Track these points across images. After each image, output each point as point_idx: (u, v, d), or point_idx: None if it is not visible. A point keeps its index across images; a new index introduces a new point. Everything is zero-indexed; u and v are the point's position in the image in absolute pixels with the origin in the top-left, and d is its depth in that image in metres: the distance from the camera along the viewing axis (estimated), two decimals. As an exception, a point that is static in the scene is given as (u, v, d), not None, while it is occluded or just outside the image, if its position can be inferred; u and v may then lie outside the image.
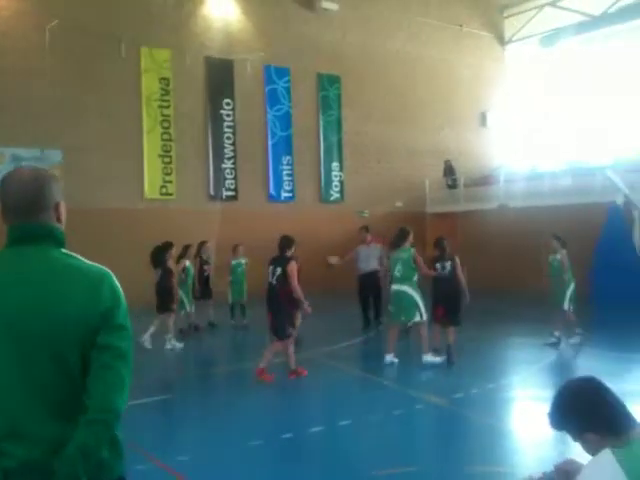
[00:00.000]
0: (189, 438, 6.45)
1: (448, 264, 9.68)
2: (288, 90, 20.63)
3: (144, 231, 16.59)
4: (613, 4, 21.16)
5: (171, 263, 11.39)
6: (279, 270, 8.36)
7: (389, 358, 9.37)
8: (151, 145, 18.25)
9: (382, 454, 5.72)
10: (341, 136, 21.71)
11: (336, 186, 21.62)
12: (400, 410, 7.15)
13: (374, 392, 8.26)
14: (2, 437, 1.96)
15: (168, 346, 10.96)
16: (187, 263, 12.16)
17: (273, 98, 20.44)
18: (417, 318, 9.25)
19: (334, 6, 20.93)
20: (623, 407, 2.40)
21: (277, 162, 20.41)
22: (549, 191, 18.34)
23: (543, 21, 23.32)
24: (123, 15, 17.51)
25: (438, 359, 9.32)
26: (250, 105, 19.86)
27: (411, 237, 9.51)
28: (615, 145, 21.01)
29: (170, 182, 18.50)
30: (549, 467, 2.74)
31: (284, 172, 20.55)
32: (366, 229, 13.33)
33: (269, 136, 20.32)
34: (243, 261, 13.19)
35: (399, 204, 22.13)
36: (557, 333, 10.67)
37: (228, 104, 19.56)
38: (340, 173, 21.65)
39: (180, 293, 11.77)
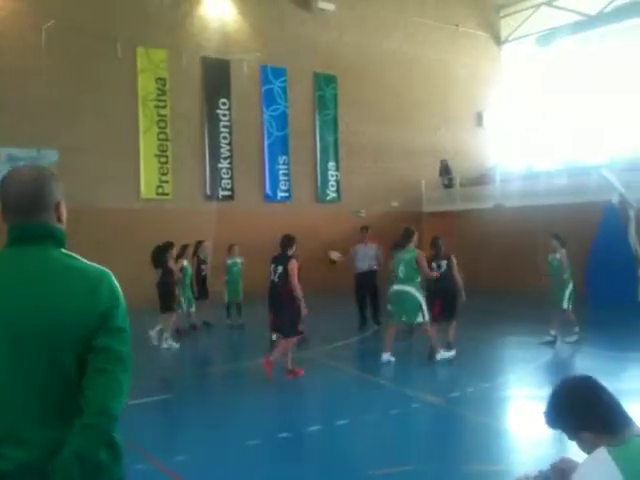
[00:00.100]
0: (186, 438, 6.45)
1: (444, 263, 9.74)
2: (284, 90, 20.62)
3: (140, 231, 16.60)
4: (609, 4, 21.19)
5: (172, 263, 11.42)
6: (280, 268, 8.44)
7: (386, 357, 9.40)
8: (147, 145, 18.23)
9: (379, 453, 5.73)
10: (337, 136, 21.72)
11: (332, 186, 21.63)
12: (396, 409, 7.16)
13: (371, 391, 8.27)
14: None
15: (165, 345, 10.97)
16: (185, 263, 12.17)
17: (269, 98, 20.43)
18: (419, 319, 9.29)
19: (330, 6, 20.93)
20: (618, 406, 2.41)
21: (273, 162, 20.41)
22: (545, 190, 18.36)
23: (539, 21, 23.35)
24: (119, 15, 17.48)
25: (451, 353, 9.41)
26: (246, 105, 19.86)
27: (416, 237, 9.54)
28: (610, 144, 21.04)
29: (166, 182, 18.49)
30: (545, 466, 2.75)
31: (280, 172, 20.55)
32: (366, 229, 13.39)
33: (265, 136, 20.32)
34: (239, 260, 13.23)
35: (395, 204, 22.16)
36: (553, 332, 10.70)
37: (224, 104, 19.55)
38: (336, 173, 21.67)
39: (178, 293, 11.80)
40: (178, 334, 11.87)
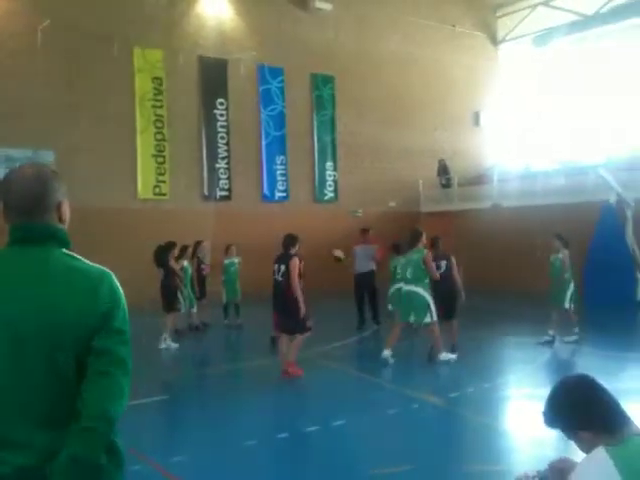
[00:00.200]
0: (184, 438, 6.44)
1: (443, 263, 9.77)
2: (282, 90, 20.61)
3: (138, 231, 16.59)
4: (605, 4, 21.23)
5: (173, 262, 11.43)
6: (283, 267, 8.50)
7: (386, 353, 9.40)
8: (144, 145, 18.21)
9: (378, 453, 5.72)
10: (335, 136, 21.72)
11: (330, 186, 21.63)
12: (396, 409, 7.16)
13: (370, 391, 8.26)
14: None
15: (163, 345, 10.95)
16: (185, 263, 12.18)
17: (267, 98, 20.42)
18: (427, 319, 9.31)
19: (327, 6, 20.93)
20: (617, 405, 2.41)
21: (271, 162, 20.40)
22: (542, 190, 18.39)
23: (536, 21, 23.38)
24: (115, 15, 17.44)
25: (453, 356, 9.43)
26: (244, 105, 19.85)
27: (424, 238, 9.59)
28: (608, 144, 21.08)
29: (164, 182, 18.47)
30: (544, 465, 2.75)
31: (278, 172, 20.54)
32: (367, 231, 13.47)
33: (263, 136, 20.31)
34: (236, 260, 13.26)
35: (393, 204, 22.17)
36: (551, 332, 10.70)
37: (222, 104, 19.53)
38: (334, 173, 21.66)
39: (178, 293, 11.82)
40: (177, 334, 11.87)
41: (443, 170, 22.76)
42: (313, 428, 6.48)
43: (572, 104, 23.24)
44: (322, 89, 21.48)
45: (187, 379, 9.44)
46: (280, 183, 20.56)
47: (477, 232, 19.72)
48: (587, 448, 2.38)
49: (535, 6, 23.66)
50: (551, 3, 23.00)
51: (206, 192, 19.19)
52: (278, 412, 7.50)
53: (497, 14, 25.71)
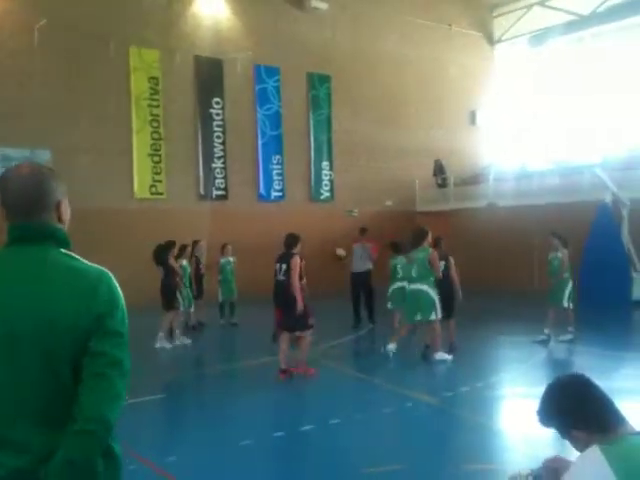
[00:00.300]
0: (180, 438, 6.45)
1: (442, 263, 9.79)
2: (278, 89, 20.60)
3: (134, 231, 16.58)
4: (601, 3, 21.26)
5: (172, 261, 11.44)
6: (285, 266, 8.54)
7: (391, 346, 9.51)
8: (140, 145, 18.18)
9: (372, 452, 5.73)
10: (331, 135, 21.71)
11: (326, 185, 21.62)
12: (390, 408, 7.17)
13: (365, 390, 8.28)
14: None
15: (157, 345, 10.95)
16: (184, 262, 12.19)
17: (263, 97, 20.41)
18: (432, 317, 9.34)
19: (323, 5, 20.91)
20: (611, 404, 2.42)
21: (267, 161, 20.39)
22: (538, 190, 18.41)
23: (532, 20, 23.42)
24: (112, 15, 17.39)
25: (449, 356, 9.48)
26: (240, 104, 19.83)
27: (429, 237, 9.64)
28: (603, 144, 21.11)
29: (160, 182, 18.45)
30: (538, 464, 2.76)
31: (274, 171, 20.53)
32: (365, 231, 13.52)
33: (259, 135, 20.30)
34: (232, 260, 13.28)
35: (389, 203, 22.19)
36: (547, 330, 10.73)
37: (218, 103, 19.51)
38: (330, 172, 21.66)
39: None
40: (186, 330, 11.91)
41: (439, 170, 22.78)
42: (309, 427, 6.50)
43: (568, 104, 23.27)
44: (318, 88, 21.47)
45: (182, 378, 9.45)
46: (276, 182, 20.55)
47: (473, 231, 19.74)
48: (581, 447, 2.38)
49: (531, 6, 23.69)
50: (547, 3, 23.04)
51: (202, 191, 19.18)
52: (274, 411, 7.51)
53: (493, 14, 25.73)
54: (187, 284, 12.17)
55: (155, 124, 18.40)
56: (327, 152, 21.66)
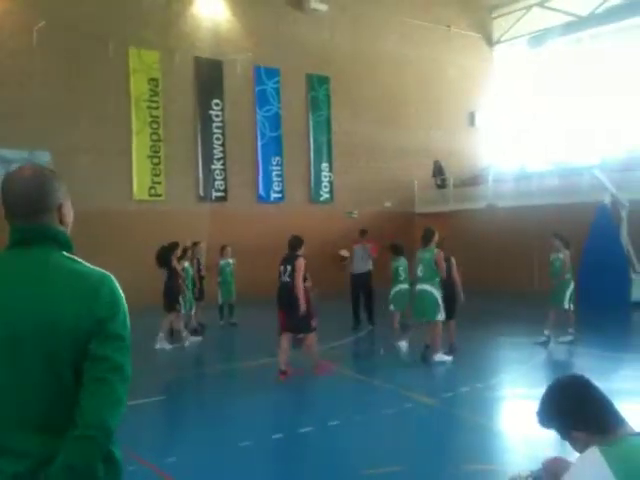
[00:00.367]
0: (179, 439, 6.45)
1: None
2: (277, 91, 20.61)
3: (133, 232, 16.58)
4: (600, 5, 21.29)
5: (175, 262, 11.45)
6: (289, 268, 8.56)
7: (404, 343, 9.90)
8: (140, 146, 18.18)
9: (372, 453, 5.73)
10: (330, 136, 21.72)
11: (326, 186, 21.63)
12: (390, 409, 7.17)
13: (365, 392, 8.28)
14: None
15: (157, 346, 10.95)
16: (186, 264, 12.19)
17: (262, 99, 20.41)
18: (437, 317, 9.38)
19: (323, 6, 20.94)
20: (611, 405, 2.42)
21: (267, 163, 20.39)
22: (537, 191, 18.43)
23: (531, 22, 23.45)
24: (111, 16, 17.40)
25: (448, 358, 9.50)
26: (239, 106, 19.83)
27: (436, 237, 9.66)
28: (602, 145, 21.13)
29: (159, 183, 18.44)
30: (537, 465, 2.76)
31: (274, 173, 20.53)
32: (365, 232, 13.52)
33: (259, 137, 20.30)
34: (231, 261, 13.29)
35: (388, 204, 22.20)
36: (547, 332, 10.72)
37: (217, 105, 19.52)
38: (329, 173, 21.66)
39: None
40: (172, 336, 11.87)
41: (438, 171, 22.80)
42: (308, 428, 6.49)
43: (567, 105, 23.29)
44: (318, 90, 21.48)
45: (182, 380, 9.44)
46: (276, 184, 20.55)
47: (472, 233, 19.73)
48: (581, 448, 2.39)
49: (530, 7, 23.72)
50: (546, 4, 23.07)
51: (202, 193, 19.17)
52: (273, 412, 7.50)
53: (492, 15, 25.76)
54: (190, 286, 12.18)
55: (155, 125, 18.40)
56: (327, 153, 21.66)
